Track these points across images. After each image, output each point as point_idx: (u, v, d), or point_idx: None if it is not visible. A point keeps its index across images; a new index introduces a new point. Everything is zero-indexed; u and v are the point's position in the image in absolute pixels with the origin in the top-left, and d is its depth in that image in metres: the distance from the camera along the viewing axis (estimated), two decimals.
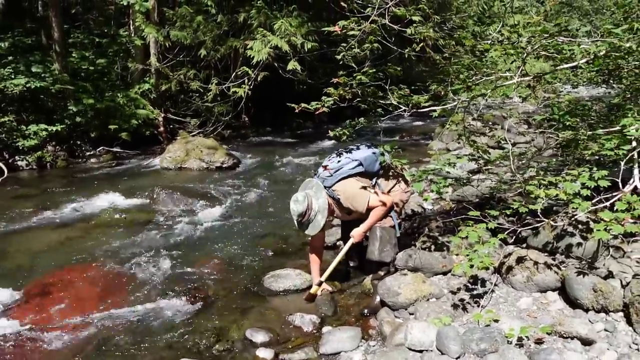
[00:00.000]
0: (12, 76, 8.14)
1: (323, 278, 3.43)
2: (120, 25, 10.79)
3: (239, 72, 10.41)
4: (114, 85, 10.02)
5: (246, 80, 10.32)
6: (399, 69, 3.53)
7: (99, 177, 7.84)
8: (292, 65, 9.78)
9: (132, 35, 10.33)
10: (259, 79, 10.17)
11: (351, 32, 3.15)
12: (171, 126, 10.97)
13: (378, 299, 3.21)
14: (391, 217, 3.55)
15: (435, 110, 3.54)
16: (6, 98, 8.20)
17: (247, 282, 3.84)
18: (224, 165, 8.42)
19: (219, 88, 10.45)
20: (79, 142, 9.19)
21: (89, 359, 2.86)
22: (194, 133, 10.71)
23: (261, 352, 2.77)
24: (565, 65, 3.39)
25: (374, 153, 3.54)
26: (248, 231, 5.10)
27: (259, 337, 2.94)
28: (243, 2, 10.82)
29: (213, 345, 2.93)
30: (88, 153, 9.20)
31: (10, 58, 8.50)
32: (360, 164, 3.45)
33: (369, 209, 3.39)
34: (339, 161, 3.46)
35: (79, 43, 10.03)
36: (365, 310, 3.19)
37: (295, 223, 3.36)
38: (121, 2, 10.09)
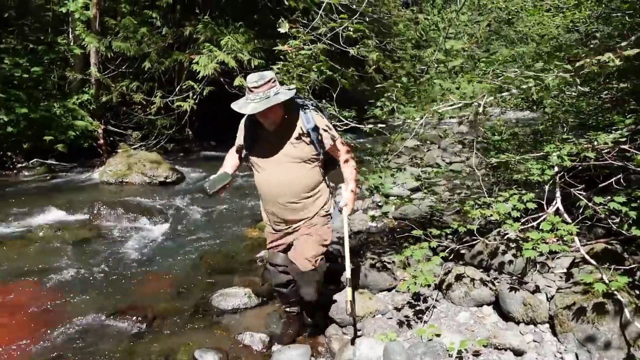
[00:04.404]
0: None
1: (348, 274, 2.75)
2: (58, 32, 10.31)
3: (184, 86, 10.29)
4: (50, 94, 9.54)
5: (191, 94, 10.22)
6: (346, 81, 3.66)
7: (32, 191, 7.40)
8: (239, 81, 9.81)
9: (72, 43, 9.92)
10: (204, 93, 10.11)
11: (302, 52, 3.26)
12: (111, 139, 10.58)
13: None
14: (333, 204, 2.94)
15: (391, 131, 3.73)
16: None
17: (195, 301, 3.80)
18: (167, 180, 8.25)
19: (163, 101, 10.27)
20: (9, 153, 8.63)
21: None
22: (136, 146, 10.40)
23: None
24: (490, 98, 3.71)
25: None
26: (194, 248, 5.04)
27: (208, 357, 2.93)
28: (189, 16, 10.75)
29: None
30: (20, 165, 8.66)
31: None
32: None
33: (338, 148, 2.80)
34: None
35: (12, 49, 9.48)
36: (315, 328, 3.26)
37: (246, 96, 2.57)
38: (59, 10, 9.69)
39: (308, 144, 2.67)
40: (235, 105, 2.58)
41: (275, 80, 2.57)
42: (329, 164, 2.88)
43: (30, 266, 4.40)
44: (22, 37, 9.91)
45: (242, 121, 2.83)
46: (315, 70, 3.48)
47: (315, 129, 2.66)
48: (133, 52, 9.82)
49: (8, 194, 7.21)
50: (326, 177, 2.87)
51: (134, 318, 3.45)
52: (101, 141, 10.03)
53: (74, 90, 10.00)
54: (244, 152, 2.83)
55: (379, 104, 3.85)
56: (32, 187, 7.71)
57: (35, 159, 8.77)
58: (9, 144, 8.60)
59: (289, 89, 2.62)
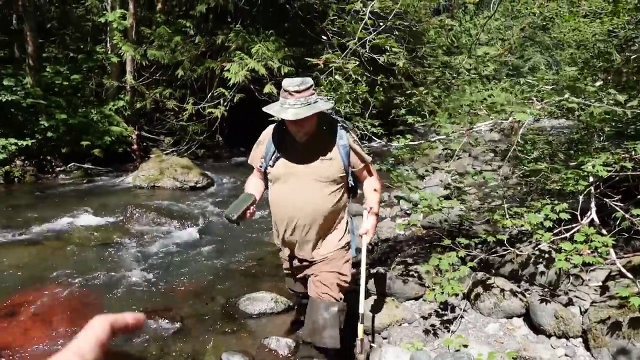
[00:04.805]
0: None
1: (362, 309, 2.54)
2: (97, 42, 10.73)
3: (216, 93, 10.51)
4: (88, 101, 9.91)
5: (222, 101, 10.43)
6: (382, 98, 3.68)
7: (69, 194, 7.69)
8: (269, 88, 9.94)
9: (109, 52, 10.29)
10: (235, 100, 10.29)
11: (334, 65, 3.31)
12: (144, 144, 10.88)
13: None
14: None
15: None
16: None
17: (222, 304, 3.86)
18: (198, 185, 8.41)
19: (194, 108, 10.50)
20: (49, 158, 9.00)
21: None
22: (168, 151, 10.67)
23: None
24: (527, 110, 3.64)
25: None
26: (222, 252, 5.12)
27: None
28: (221, 25, 10.99)
29: None
30: (58, 169, 9.01)
31: None
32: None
33: (366, 170, 2.59)
34: None
35: (53, 58, 9.91)
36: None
37: (283, 100, 2.31)
38: (99, 20, 10.08)
39: (337, 162, 2.43)
40: (271, 110, 2.35)
41: (315, 88, 2.40)
42: (352, 190, 2.64)
43: (66, 267, 4.55)
44: (63, 46, 10.35)
45: (267, 131, 2.58)
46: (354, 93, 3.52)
47: (347, 146, 2.45)
48: (167, 60, 10.10)
49: (47, 196, 7.51)
50: (347, 205, 2.61)
51: (163, 320, 3.53)
52: (135, 146, 10.33)
53: (110, 97, 10.35)
54: (263, 163, 2.53)
55: (404, 110, 3.85)
56: (70, 190, 8.00)
57: (73, 163, 9.11)
58: (49, 149, 8.96)
59: (327, 100, 2.46)
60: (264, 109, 2.40)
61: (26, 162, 8.58)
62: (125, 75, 10.34)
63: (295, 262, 2.63)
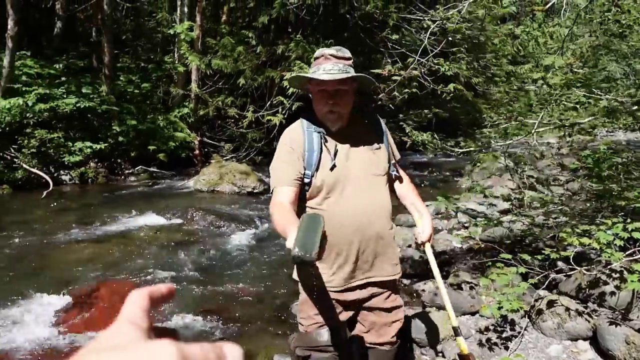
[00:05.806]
0: (64, 96, 8.66)
1: (454, 322, 2.08)
2: (165, 52, 11.38)
3: (275, 101, 10.78)
4: (156, 108, 10.51)
5: (280, 109, 10.67)
6: (445, 113, 3.67)
7: (136, 195, 8.15)
8: None
9: (176, 62, 10.86)
10: (293, 108, 10.49)
11: (395, 77, 3.31)
12: (206, 150, 11.33)
13: None
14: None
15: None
16: (57, 116, 8.70)
17: (276, 307, 3.92)
18: (255, 191, 8.62)
19: (254, 115, 10.81)
20: (119, 160, 9.61)
21: None
22: (227, 157, 11.04)
23: None
24: (588, 119, 3.44)
25: None
26: (277, 257, 5.20)
27: None
28: (282, 35, 11.28)
29: None
30: (127, 171, 9.60)
31: (63, 79, 9.06)
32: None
33: (399, 169, 2.15)
34: None
35: (127, 67, 10.60)
36: None
37: (316, 67, 1.86)
38: (168, 32, 10.66)
39: (385, 151, 2.00)
40: (301, 74, 1.97)
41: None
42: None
43: (130, 263, 4.82)
44: (135, 56, 11.07)
45: (296, 132, 1.93)
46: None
47: (385, 134, 2.04)
48: (230, 69, 10.50)
49: (116, 197, 8.00)
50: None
51: (218, 320, 3.63)
52: (197, 152, 10.79)
53: (176, 104, 10.90)
54: (307, 172, 1.86)
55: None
56: (136, 192, 8.48)
57: (140, 166, 9.66)
58: (120, 152, 9.57)
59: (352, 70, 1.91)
60: (292, 75, 2.01)
61: (99, 164, 9.21)
62: (190, 83, 10.86)
63: (341, 296, 1.94)
